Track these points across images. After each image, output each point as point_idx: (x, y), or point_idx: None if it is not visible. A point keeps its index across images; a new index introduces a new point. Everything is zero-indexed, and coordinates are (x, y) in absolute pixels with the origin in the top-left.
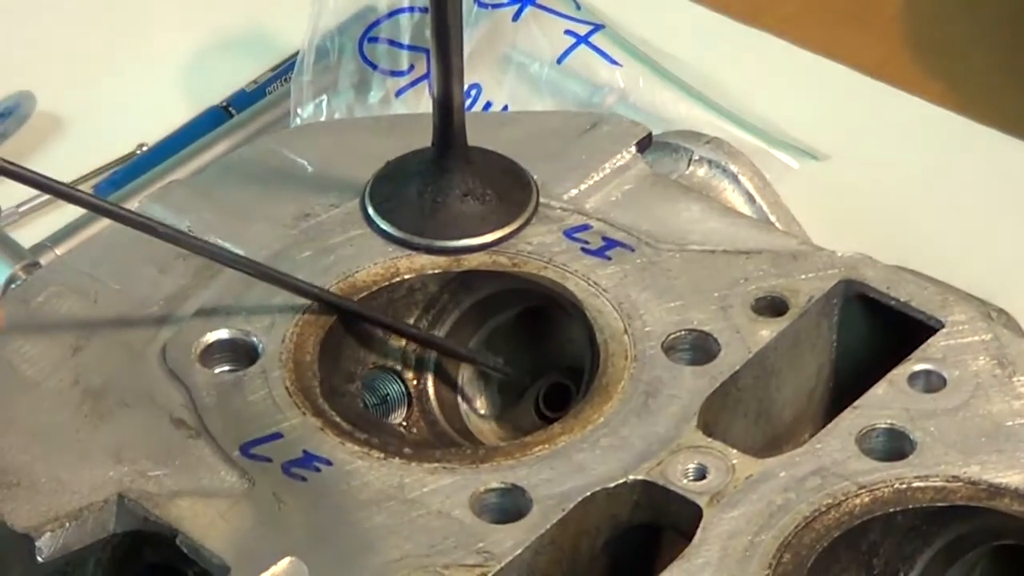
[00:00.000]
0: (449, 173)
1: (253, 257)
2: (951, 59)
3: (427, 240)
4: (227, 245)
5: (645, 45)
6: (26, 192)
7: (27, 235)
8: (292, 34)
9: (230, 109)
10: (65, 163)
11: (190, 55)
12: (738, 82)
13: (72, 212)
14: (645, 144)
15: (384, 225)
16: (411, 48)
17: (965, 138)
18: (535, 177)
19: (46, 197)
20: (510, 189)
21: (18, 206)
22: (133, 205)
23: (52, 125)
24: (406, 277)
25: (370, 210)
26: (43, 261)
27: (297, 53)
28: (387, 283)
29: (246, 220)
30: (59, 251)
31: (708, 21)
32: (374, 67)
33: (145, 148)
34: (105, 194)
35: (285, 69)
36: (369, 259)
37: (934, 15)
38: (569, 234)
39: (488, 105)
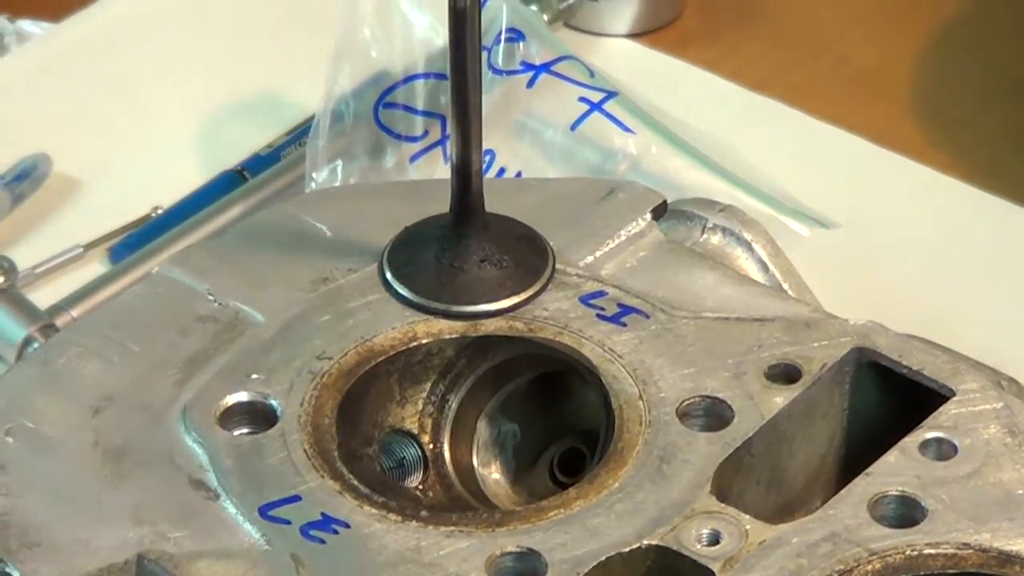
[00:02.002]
0: (467, 239)
1: (271, 320)
2: (958, 128)
3: (444, 305)
4: (246, 308)
5: (658, 113)
6: (42, 253)
7: (43, 297)
8: (307, 98)
9: (244, 173)
10: (81, 225)
11: (205, 118)
12: (749, 150)
13: (88, 274)
14: (660, 211)
15: (402, 290)
16: (426, 114)
17: (972, 206)
18: (551, 243)
19: (62, 259)
20: (527, 255)
21: (34, 267)
22: (152, 268)
23: (68, 187)
24: (423, 341)
25: (388, 275)
26: (59, 323)
27: (312, 117)
28: (405, 347)
29: (265, 284)
30: (75, 313)
31: (720, 89)
32: (389, 132)
33: (160, 211)
34: (120, 256)
35: (300, 133)
36: (387, 323)
37: (941, 85)
38: (585, 300)
39: (502, 171)
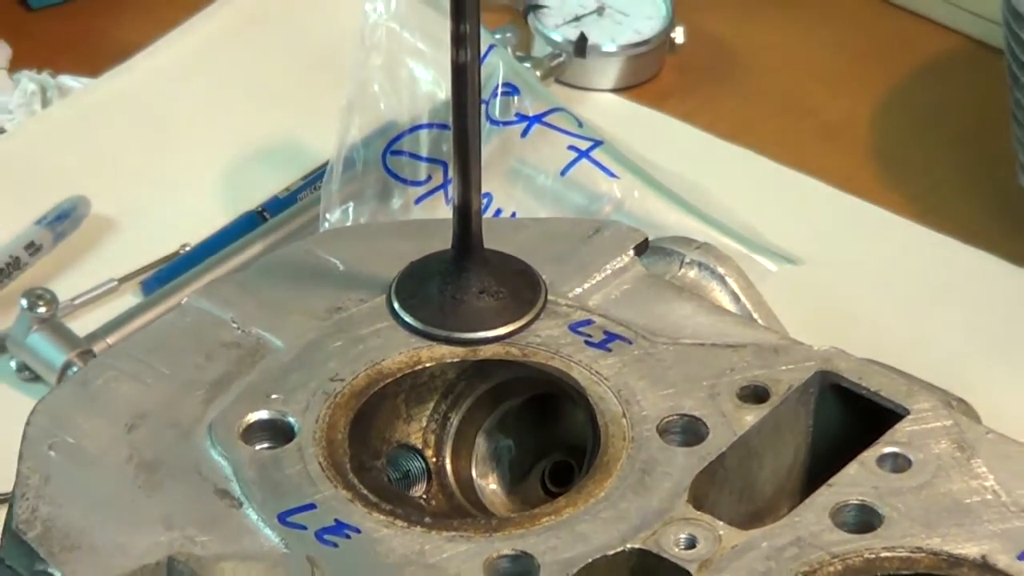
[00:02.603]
0: (467, 273)
1: (289, 346)
2: (911, 175)
3: (446, 332)
4: (267, 335)
5: (640, 159)
6: (80, 286)
7: (82, 325)
8: (321, 146)
9: (264, 214)
10: (116, 260)
11: (228, 164)
12: (723, 193)
13: (122, 305)
14: (642, 248)
15: (408, 319)
16: (429, 160)
17: (924, 244)
18: (544, 277)
19: (99, 291)
20: (521, 288)
21: (73, 299)
22: (181, 299)
23: (105, 226)
24: (427, 365)
25: (395, 305)
26: (96, 349)
27: (326, 163)
28: (410, 370)
29: (284, 313)
30: (110, 340)
31: (696, 139)
32: (396, 177)
33: (187, 248)
34: (151, 289)
35: (315, 178)
36: (394, 349)
37: (896, 135)
38: (574, 328)
39: (499, 212)
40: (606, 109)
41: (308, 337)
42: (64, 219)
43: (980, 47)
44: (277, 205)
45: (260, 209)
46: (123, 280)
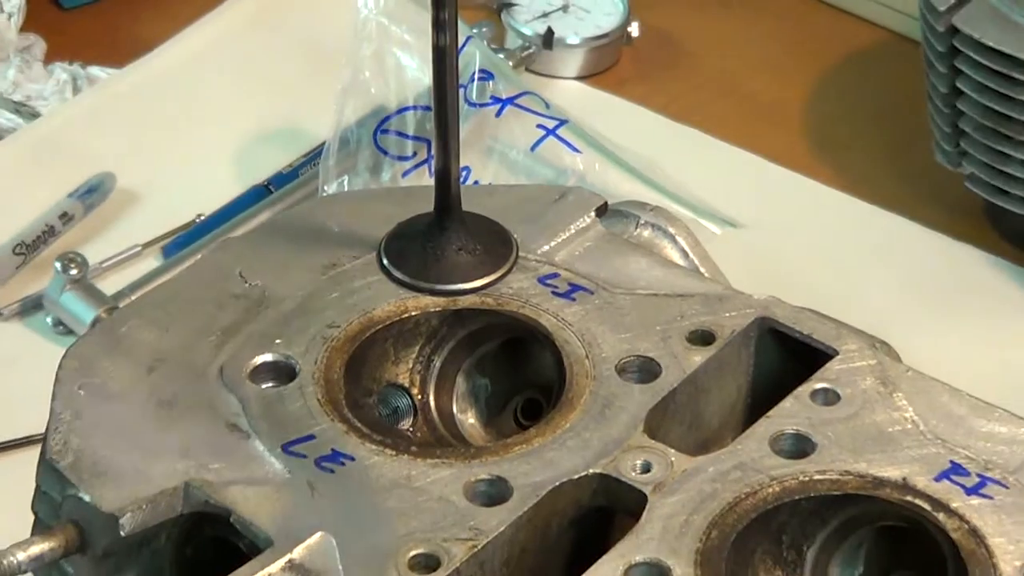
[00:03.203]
0: (447, 232)
1: (291, 297)
2: (838, 149)
3: (430, 284)
4: (271, 287)
5: (600, 137)
6: (108, 251)
7: (109, 285)
8: (320, 127)
9: (270, 187)
10: (139, 229)
11: (238, 143)
12: (673, 166)
13: (144, 268)
14: (602, 211)
15: (396, 273)
16: (415, 138)
17: (849, 212)
18: (515, 236)
19: (124, 256)
20: (495, 245)
21: (101, 263)
22: (197, 257)
23: (129, 199)
24: (413, 313)
25: (384, 261)
26: (121, 305)
27: (324, 143)
28: (398, 318)
29: (286, 268)
30: (134, 298)
31: (649, 120)
32: (385, 153)
33: (202, 217)
34: (171, 253)
35: (314, 155)
36: (384, 299)
37: (825, 115)
38: (542, 280)
39: (476, 182)
40: (570, 94)
41: (307, 289)
42: (93, 192)
43: (900, 39)
44: (281, 179)
45: (266, 183)
46: (146, 246)
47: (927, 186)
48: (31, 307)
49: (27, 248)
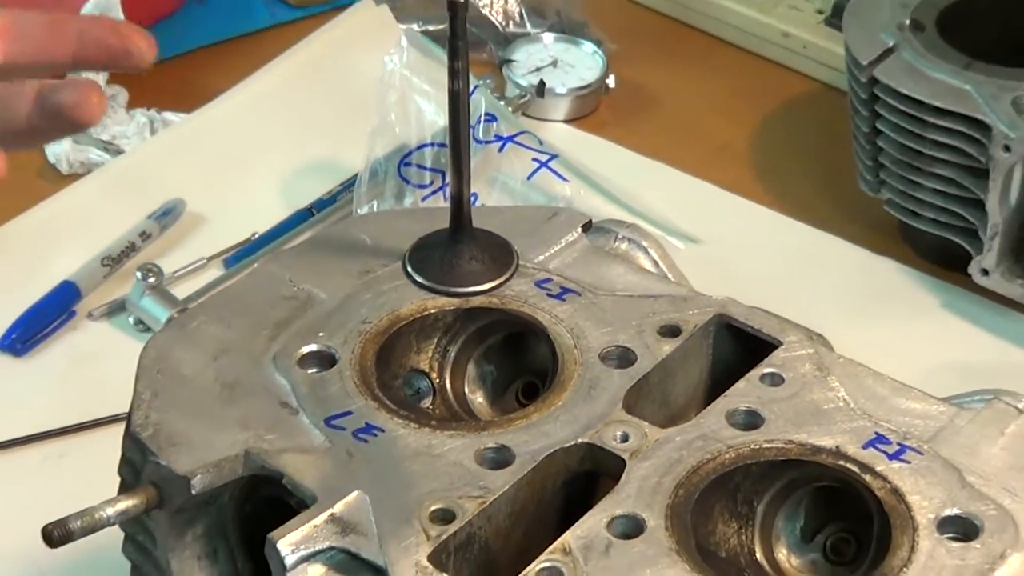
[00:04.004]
0: (460, 245)
1: (331, 298)
2: (778, 180)
3: (446, 288)
4: (315, 291)
5: (584, 169)
6: (179, 263)
7: (181, 291)
8: (354, 161)
9: (313, 210)
10: (204, 246)
11: (287, 174)
12: (645, 193)
13: (209, 277)
14: (587, 228)
15: (418, 278)
16: (432, 170)
17: (789, 230)
18: (516, 248)
19: (193, 267)
20: (500, 255)
21: (174, 272)
22: (253, 266)
23: (196, 220)
24: (432, 311)
25: (408, 269)
26: (191, 307)
27: (357, 174)
28: (420, 315)
29: (328, 274)
30: (201, 300)
31: (624, 156)
32: (408, 182)
33: (257, 235)
34: (231, 264)
35: (349, 184)
36: (408, 300)
37: (768, 152)
38: (538, 284)
39: (483, 205)
40: (559, 134)
41: (345, 292)
42: (167, 215)
43: (829, 89)
44: (322, 204)
45: (310, 207)
46: (210, 258)
47: (852, 209)
48: (116, 309)
49: (113, 261)
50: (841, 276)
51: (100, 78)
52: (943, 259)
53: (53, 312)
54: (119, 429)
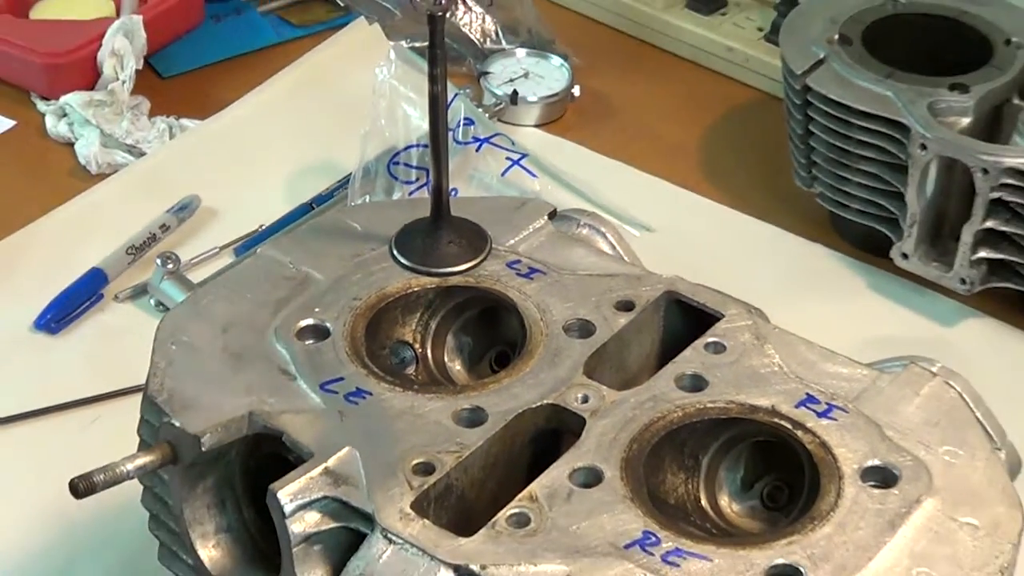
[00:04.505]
0: (440, 231)
1: (326, 278)
2: (722, 176)
3: (427, 268)
4: (312, 272)
5: (552, 167)
6: (194, 252)
7: (196, 276)
8: (348, 161)
9: (313, 205)
10: (217, 236)
11: (289, 173)
12: (604, 187)
13: (221, 264)
14: (552, 215)
15: (403, 260)
16: (418, 168)
17: (731, 220)
18: (490, 233)
19: (207, 255)
20: (475, 240)
21: (190, 260)
22: (258, 251)
23: (210, 214)
24: (415, 289)
25: (395, 252)
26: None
27: (351, 173)
28: (404, 293)
29: (323, 257)
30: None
31: (587, 155)
32: (396, 179)
33: (263, 226)
34: (240, 253)
35: (344, 181)
36: (394, 279)
37: (713, 152)
38: (509, 265)
39: None
40: (530, 137)
41: (338, 273)
42: (184, 209)
43: (768, 97)
44: (321, 199)
45: (310, 202)
46: (222, 248)
47: (788, 201)
48: (139, 292)
49: (136, 250)
50: (778, 260)
51: (125, 89)
52: (868, 245)
53: (83, 295)
54: (139, 398)
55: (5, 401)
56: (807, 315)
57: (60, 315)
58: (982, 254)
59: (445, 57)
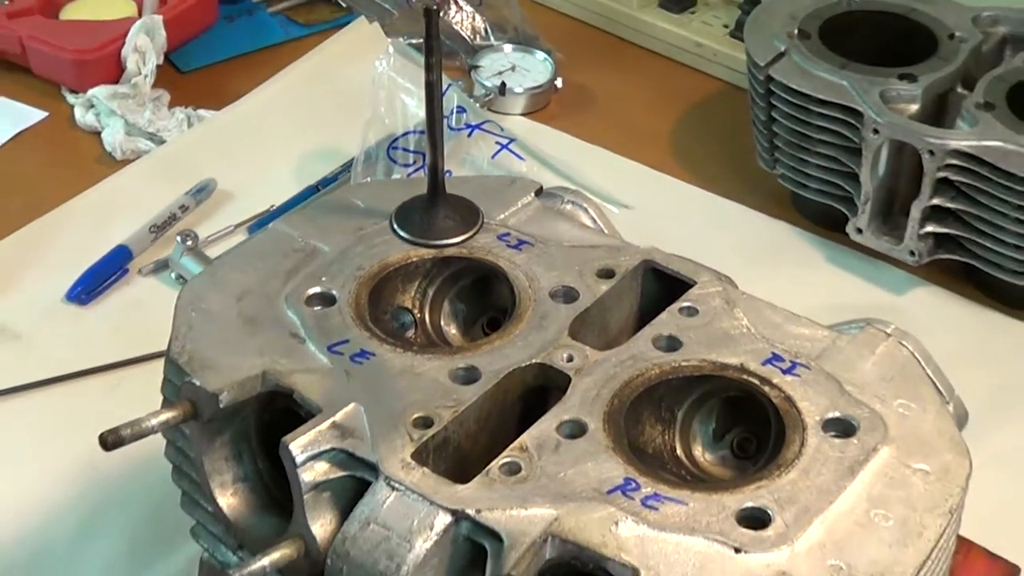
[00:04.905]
0: (436, 207)
1: (332, 250)
2: (693, 160)
3: (425, 240)
4: (319, 244)
5: (537, 151)
6: (211, 230)
7: (213, 252)
8: (351, 147)
9: (319, 187)
10: (230, 216)
11: (298, 158)
12: (586, 169)
13: (236, 240)
14: (539, 192)
15: (402, 233)
16: (415, 152)
17: (701, 200)
18: (482, 209)
19: (222, 233)
20: (468, 215)
21: (207, 237)
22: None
23: (225, 196)
24: (413, 259)
25: (395, 226)
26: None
27: (354, 157)
28: (404, 263)
29: (329, 230)
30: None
31: (569, 141)
32: (395, 163)
33: (274, 206)
34: (253, 230)
35: (348, 165)
36: (395, 251)
37: (684, 138)
38: (500, 237)
39: None
40: (517, 124)
41: (343, 245)
42: (201, 192)
43: (733, 88)
44: (326, 181)
45: (316, 184)
46: (236, 226)
47: (752, 182)
48: (161, 267)
49: (158, 229)
50: (743, 236)
51: (147, 83)
52: (825, 221)
53: (110, 270)
54: (162, 362)
55: (40, 366)
56: (771, 285)
57: (89, 288)
58: (929, 229)
59: (440, 48)
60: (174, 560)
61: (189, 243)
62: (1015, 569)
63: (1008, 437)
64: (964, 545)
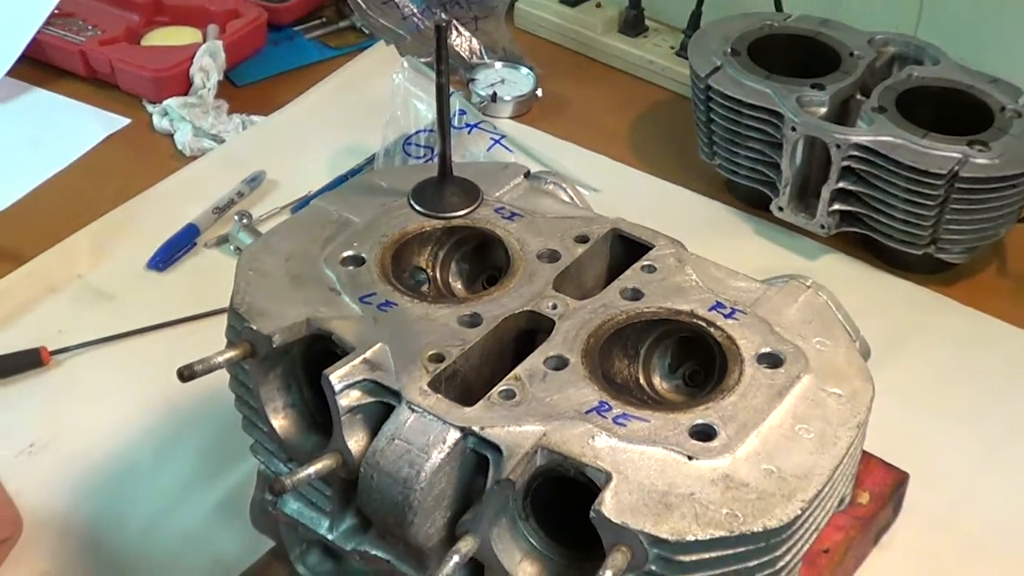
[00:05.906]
0: (445, 186)
1: (361, 221)
2: (647, 154)
3: (436, 213)
4: (351, 216)
5: (524, 146)
6: (262, 211)
7: (263, 228)
8: (374, 144)
9: (348, 176)
10: (277, 200)
11: (331, 153)
12: (564, 161)
13: (281, 219)
14: (527, 175)
15: (419, 207)
16: (425, 147)
17: (654, 186)
18: (481, 187)
19: (271, 213)
20: (471, 193)
21: (259, 216)
22: (311, 203)
23: (273, 184)
24: (427, 228)
25: (411, 202)
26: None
27: (376, 152)
28: (419, 232)
29: (360, 207)
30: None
31: (550, 140)
32: (409, 156)
33: (311, 192)
34: (295, 211)
35: (371, 159)
36: (412, 222)
37: (641, 136)
38: (496, 210)
39: None
40: (507, 126)
41: (370, 217)
42: (254, 181)
43: (680, 96)
44: (354, 172)
45: (346, 174)
46: (282, 208)
47: (695, 171)
48: (222, 241)
49: (220, 210)
50: (688, 213)
51: (210, 95)
52: (754, 201)
53: (182, 243)
54: (224, 316)
55: (128, 320)
56: (711, 253)
57: (166, 258)
58: (836, 207)
59: (448, 57)
60: (237, 472)
61: (245, 221)
62: (905, 476)
63: (899, 371)
64: (866, 456)
